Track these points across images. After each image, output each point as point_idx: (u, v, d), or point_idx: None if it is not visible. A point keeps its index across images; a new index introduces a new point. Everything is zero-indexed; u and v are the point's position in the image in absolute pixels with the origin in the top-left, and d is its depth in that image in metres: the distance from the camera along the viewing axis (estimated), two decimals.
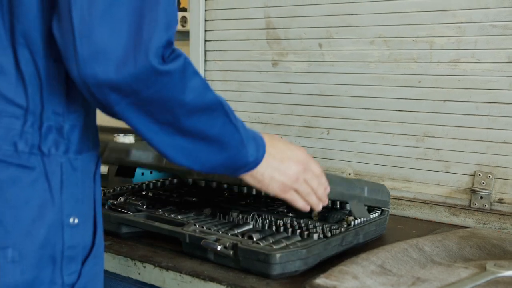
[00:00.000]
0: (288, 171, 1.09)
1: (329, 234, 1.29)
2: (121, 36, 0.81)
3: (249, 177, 1.07)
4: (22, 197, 0.88)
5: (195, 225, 1.31)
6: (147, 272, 1.26)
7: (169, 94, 0.87)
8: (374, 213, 1.47)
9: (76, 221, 0.95)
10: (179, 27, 2.59)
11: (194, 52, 2.20)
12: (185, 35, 2.22)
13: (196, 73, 0.91)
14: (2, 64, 0.89)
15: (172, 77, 0.86)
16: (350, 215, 1.45)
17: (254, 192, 1.72)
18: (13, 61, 0.90)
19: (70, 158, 0.94)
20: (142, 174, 2.06)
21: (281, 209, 1.52)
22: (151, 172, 2.11)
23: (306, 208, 1.17)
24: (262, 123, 2.11)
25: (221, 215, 1.45)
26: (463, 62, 1.67)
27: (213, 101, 0.94)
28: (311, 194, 1.15)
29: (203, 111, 0.92)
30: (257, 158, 1.03)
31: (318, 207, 1.19)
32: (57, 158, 0.92)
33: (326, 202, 1.20)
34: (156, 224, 1.33)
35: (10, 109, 0.89)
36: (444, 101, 1.71)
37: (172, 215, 1.40)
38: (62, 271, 0.93)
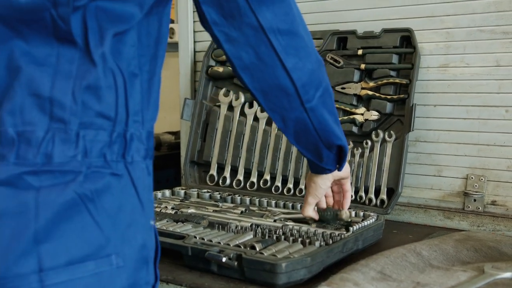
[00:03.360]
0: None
1: (330, 241, 1.30)
2: None
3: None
4: (116, 204, 0.90)
5: (195, 237, 1.30)
6: None
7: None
8: (370, 219, 1.48)
9: (153, 223, 0.98)
10: None
11: (184, 63, 2.20)
12: (173, 46, 2.21)
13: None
14: (93, 79, 0.89)
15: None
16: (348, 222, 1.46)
17: (247, 202, 1.72)
18: (103, 75, 0.90)
19: (147, 164, 0.97)
20: None
21: (277, 218, 1.52)
22: None
23: None
24: None
25: (220, 226, 1.44)
26: (452, 67, 1.69)
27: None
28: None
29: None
30: None
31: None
32: (139, 164, 0.95)
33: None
34: None
35: (99, 122, 0.90)
36: (435, 105, 1.73)
37: (171, 228, 1.39)
38: (155, 271, 0.97)
